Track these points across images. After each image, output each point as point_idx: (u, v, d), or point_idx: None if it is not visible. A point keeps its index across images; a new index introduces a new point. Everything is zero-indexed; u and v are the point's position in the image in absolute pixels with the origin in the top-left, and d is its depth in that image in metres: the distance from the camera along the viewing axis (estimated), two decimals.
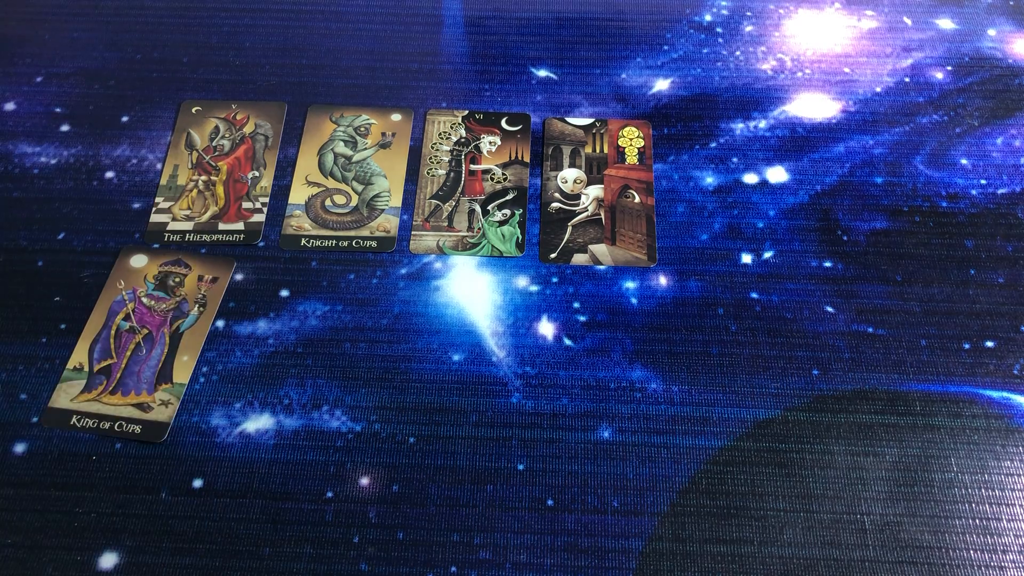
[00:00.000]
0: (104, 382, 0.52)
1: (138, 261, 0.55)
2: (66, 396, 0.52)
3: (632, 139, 0.64)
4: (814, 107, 0.66)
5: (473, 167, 0.63)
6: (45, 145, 0.64)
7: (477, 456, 0.51)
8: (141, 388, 0.52)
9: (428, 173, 0.63)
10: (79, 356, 0.52)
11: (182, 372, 0.53)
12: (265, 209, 0.61)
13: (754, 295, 0.57)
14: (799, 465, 0.51)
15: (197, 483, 0.50)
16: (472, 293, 0.57)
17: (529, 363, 0.54)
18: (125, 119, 0.65)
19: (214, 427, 0.52)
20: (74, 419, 0.51)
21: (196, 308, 0.54)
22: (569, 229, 0.60)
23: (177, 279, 0.54)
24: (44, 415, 0.51)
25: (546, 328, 0.56)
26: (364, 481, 0.50)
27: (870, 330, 0.55)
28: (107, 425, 0.51)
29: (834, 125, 0.65)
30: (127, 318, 0.53)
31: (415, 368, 0.54)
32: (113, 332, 0.53)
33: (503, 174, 0.62)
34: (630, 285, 0.57)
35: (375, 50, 0.70)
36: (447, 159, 0.63)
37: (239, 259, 0.58)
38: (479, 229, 0.60)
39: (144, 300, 0.53)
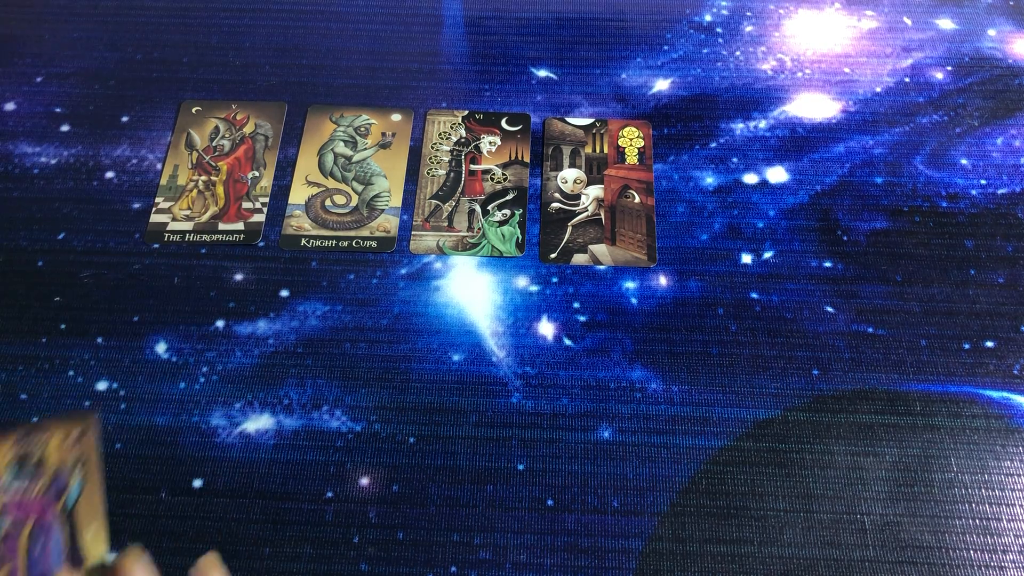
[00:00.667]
0: None
1: None
2: None
3: (632, 139, 0.64)
4: (814, 107, 0.66)
5: (473, 167, 0.63)
6: (45, 145, 0.64)
7: (477, 456, 0.51)
8: None
9: (428, 173, 0.63)
10: None
11: (97, 544, 0.44)
12: (265, 209, 0.61)
13: (754, 295, 0.57)
14: (799, 465, 0.51)
15: (197, 483, 0.50)
16: (472, 293, 0.57)
17: (529, 363, 0.54)
18: (125, 119, 0.65)
19: (214, 427, 0.52)
20: None
21: (77, 475, 0.44)
22: (569, 229, 0.60)
23: (36, 458, 0.44)
24: None
25: (546, 328, 0.56)
26: (364, 481, 0.50)
27: (870, 330, 0.55)
28: None
29: (834, 125, 0.65)
30: (2, 513, 0.43)
31: (415, 368, 0.54)
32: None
33: (503, 174, 0.62)
34: (630, 285, 0.57)
35: (375, 50, 0.70)
36: (447, 159, 0.63)
37: (239, 259, 0.58)
38: (479, 229, 0.60)
39: (10, 494, 0.43)
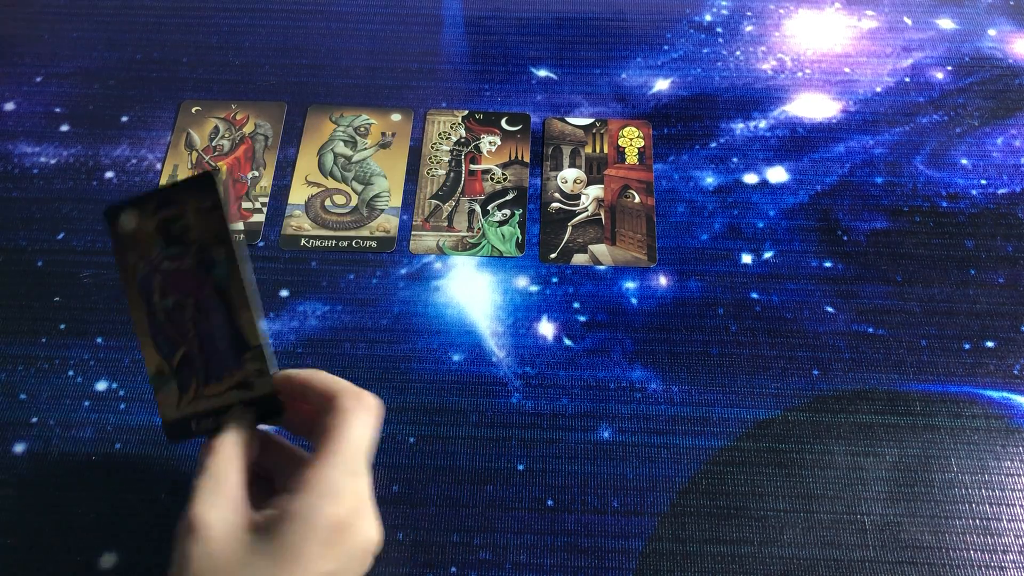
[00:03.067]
0: (194, 378, 0.42)
1: (129, 222, 0.43)
2: (170, 408, 0.43)
3: (632, 139, 0.64)
4: (814, 107, 0.66)
5: (473, 167, 0.63)
6: (45, 145, 0.64)
7: (477, 456, 0.51)
8: (228, 366, 0.43)
9: (428, 173, 0.63)
10: (154, 360, 0.43)
11: (254, 332, 0.42)
12: (265, 209, 0.61)
13: (754, 295, 0.57)
14: (799, 465, 0.51)
15: None
16: (472, 293, 0.57)
17: (529, 363, 0.54)
18: (125, 119, 0.65)
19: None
20: (193, 424, 0.43)
21: (221, 251, 0.42)
22: (569, 229, 0.60)
23: (180, 227, 0.43)
24: (168, 431, 0.43)
25: (546, 328, 0.56)
26: None
27: (870, 330, 0.55)
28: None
29: (834, 125, 0.65)
30: (163, 294, 0.42)
31: (415, 368, 0.54)
32: (163, 316, 0.43)
33: (503, 174, 0.62)
34: (630, 285, 0.57)
35: (375, 50, 0.70)
36: (447, 159, 0.63)
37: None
38: (479, 229, 0.60)
39: (166, 265, 0.42)
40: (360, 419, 0.40)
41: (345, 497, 0.38)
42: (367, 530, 0.39)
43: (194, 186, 0.42)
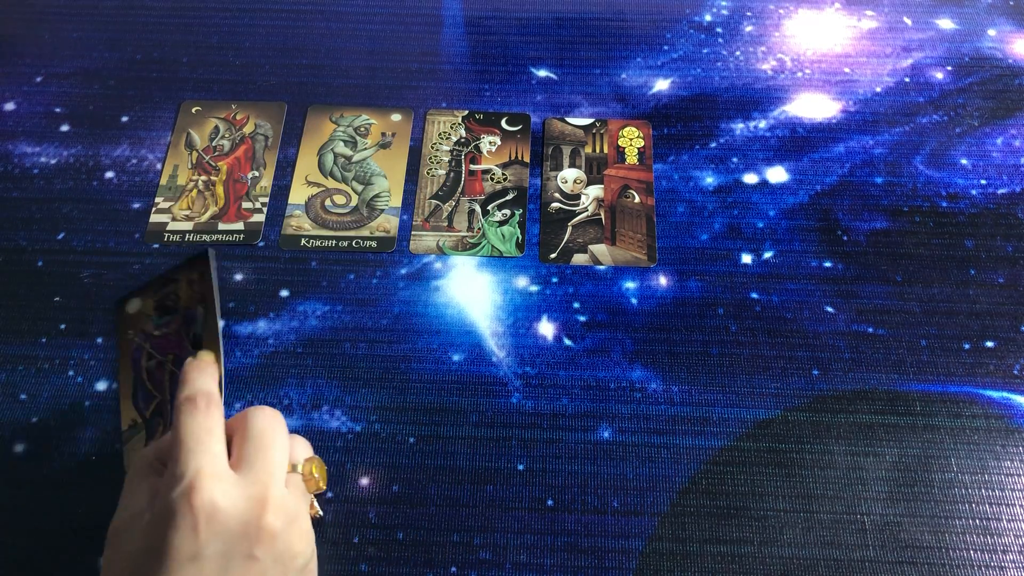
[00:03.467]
0: (161, 423, 0.50)
1: (133, 306, 0.54)
2: (135, 453, 0.50)
3: (632, 139, 0.64)
4: (814, 107, 0.66)
5: (473, 167, 0.63)
6: (45, 145, 0.64)
7: (477, 456, 0.51)
8: None
9: (428, 173, 0.63)
10: (129, 415, 0.51)
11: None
12: (265, 209, 0.61)
13: (754, 295, 0.57)
14: (799, 465, 0.51)
15: None
16: (472, 293, 0.57)
17: (529, 363, 0.54)
18: (125, 119, 0.65)
19: None
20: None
21: (198, 308, 0.52)
22: (569, 229, 0.60)
23: (172, 298, 0.53)
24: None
25: (546, 328, 0.56)
26: (364, 481, 0.50)
27: (870, 330, 0.55)
28: None
29: (834, 125, 0.65)
30: (150, 357, 0.52)
31: (415, 368, 0.54)
32: (145, 377, 0.52)
33: (503, 174, 0.62)
34: (630, 285, 0.57)
35: (375, 50, 0.70)
36: (447, 159, 0.63)
37: (239, 259, 0.58)
38: (479, 229, 0.60)
39: (156, 334, 0.52)
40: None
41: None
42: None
43: (190, 264, 0.52)
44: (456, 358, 0.54)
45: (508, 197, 0.61)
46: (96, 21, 0.72)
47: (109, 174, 0.63)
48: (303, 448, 0.46)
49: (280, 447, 0.42)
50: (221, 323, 0.50)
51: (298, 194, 0.61)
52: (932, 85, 0.67)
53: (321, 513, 0.48)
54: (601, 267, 0.58)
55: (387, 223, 0.60)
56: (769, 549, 0.48)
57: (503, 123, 0.65)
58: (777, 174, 0.63)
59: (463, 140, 0.64)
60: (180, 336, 0.51)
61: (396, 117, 0.65)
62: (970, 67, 0.69)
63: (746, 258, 0.58)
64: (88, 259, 0.58)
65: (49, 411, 0.52)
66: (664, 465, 0.51)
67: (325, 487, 0.46)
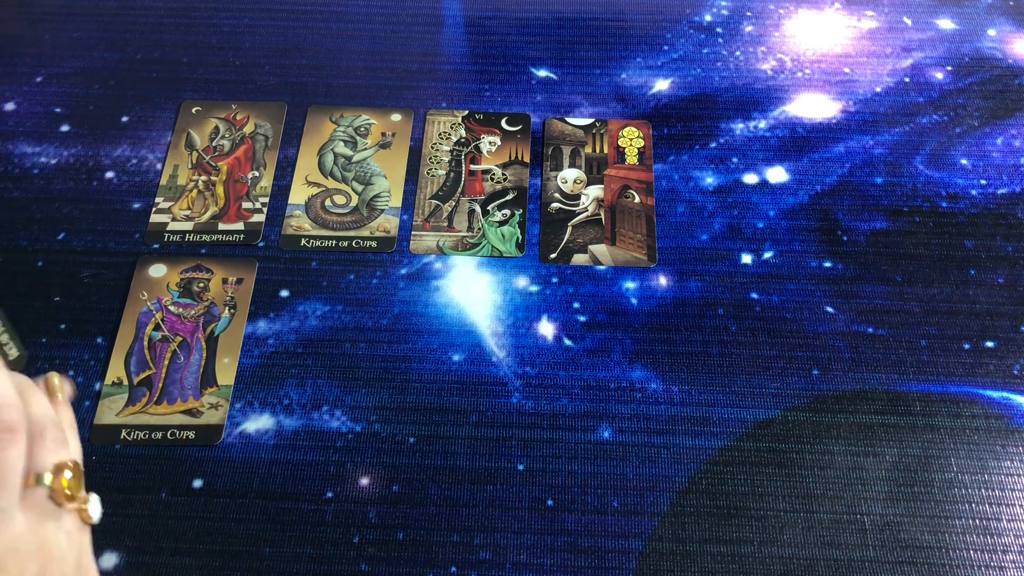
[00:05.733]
0: (147, 393, 0.52)
1: (157, 271, 0.56)
2: (111, 411, 0.52)
3: (632, 139, 0.64)
4: (814, 107, 0.66)
5: (473, 167, 0.63)
6: (45, 145, 0.64)
7: (477, 456, 0.51)
8: (187, 394, 0.52)
9: (428, 173, 0.63)
10: (116, 371, 0.52)
11: (225, 375, 0.53)
12: (265, 209, 0.61)
13: (754, 295, 0.57)
14: (799, 465, 0.51)
15: (197, 483, 0.50)
16: (472, 293, 0.57)
17: (529, 363, 0.54)
18: (125, 119, 0.65)
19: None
20: (123, 433, 0.51)
21: (227, 311, 0.54)
22: (569, 229, 0.60)
23: (201, 284, 0.54)
24: (92, 433, 0.51)
25: (546, 328, 0.56)
26: (364, 481, 0.50)
27: (870, 330, 0.55)
28: (159, 435, 0.51)
29: (834, 125, 0.65)
30: (157, 328, 0.53)
31: (415, 368, 0.54)
32: (146, 343, 0.53)
33: (503, 174, 0.62)
34: (630, 285, 0.57)
35: (375, 50, 0.70)
36: (447, 159, 0.63)
37: (239, 259, 0.58)
38: (479, 229, 0.60)
39: (171, 308, 0.53)
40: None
41: None
42: None
43: (230, 267, 0.56)
44: (456, 358, 0.54)
45: (508, 197, 0.61)
46: (96, 21, 0.72)
47: (109, 174, 0.63)
48: (53, 439, 0.32)
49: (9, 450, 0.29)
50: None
51: (298, 194, 0.61)
52: (932, 85, 0.67)
53: (95, 519, 0.35)
54: (601, 267, 0.58)
55: (387, 223, 0.60)
56: (769, 549, 0.48)
57: (503, 123, 0.65)
58: (777, 174, 0.63)
59: (463, 140, 0.64)
60: (196, 325, 0.53)
61: (396, 117, 0.65)
62: (970, 67, 0.69)
63: (746, 258, 0.58)
64: (88, 259, 0.58)
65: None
66: (664, 465, 0.51)
67: (85, 496, 0.34)
